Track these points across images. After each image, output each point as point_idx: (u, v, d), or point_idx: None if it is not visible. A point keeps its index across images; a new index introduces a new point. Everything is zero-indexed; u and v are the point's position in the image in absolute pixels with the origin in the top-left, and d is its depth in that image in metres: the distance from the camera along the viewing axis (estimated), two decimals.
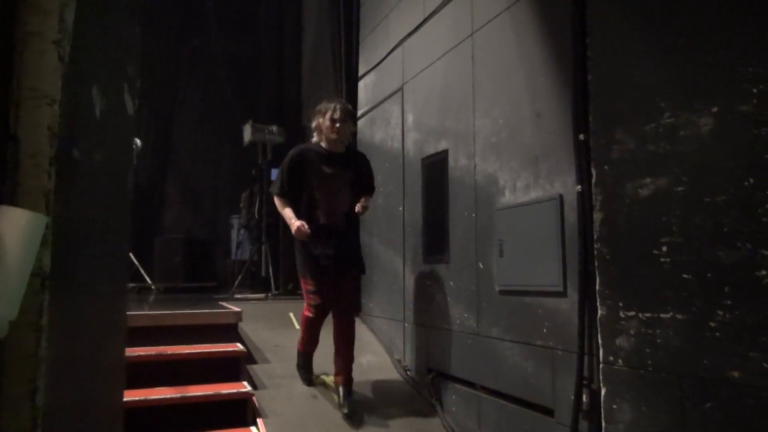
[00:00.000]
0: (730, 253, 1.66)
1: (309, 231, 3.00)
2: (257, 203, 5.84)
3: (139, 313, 3.54)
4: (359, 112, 4.57)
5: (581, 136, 2.19)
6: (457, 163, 3.16)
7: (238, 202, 6.41)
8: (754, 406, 1.59)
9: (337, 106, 3.15)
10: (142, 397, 2.84)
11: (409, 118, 3.78)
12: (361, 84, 4.64)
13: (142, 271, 5.54)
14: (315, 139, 3.25)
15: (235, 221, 6.35)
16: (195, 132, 7.33)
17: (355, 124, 3.89)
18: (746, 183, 1.63)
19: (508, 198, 2.70)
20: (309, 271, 3.11)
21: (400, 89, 3.91)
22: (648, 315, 1.88)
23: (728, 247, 1.66)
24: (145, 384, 2.97)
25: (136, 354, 3.08)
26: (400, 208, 3.84)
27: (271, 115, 6.34)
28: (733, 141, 1.68)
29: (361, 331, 4.11)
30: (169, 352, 3.21)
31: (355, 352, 3.23)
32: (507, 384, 2.66)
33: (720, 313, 1.68)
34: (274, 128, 5.66)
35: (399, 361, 3.65)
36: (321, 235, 3.09)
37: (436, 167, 3.38)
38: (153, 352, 3.16)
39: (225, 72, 7.19)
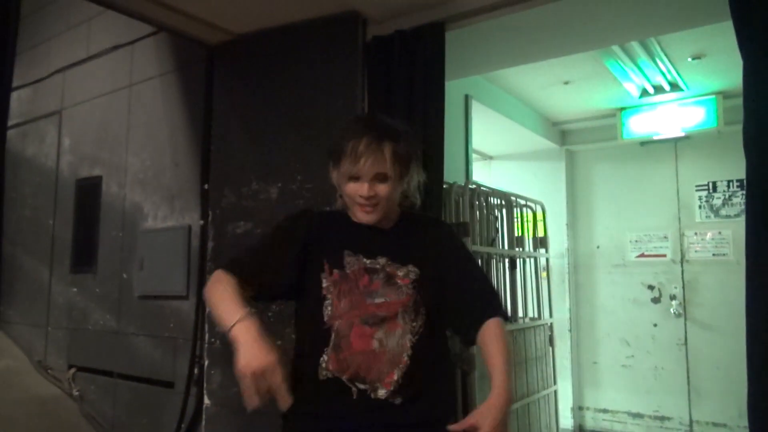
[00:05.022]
0: None
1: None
2: None
3: None
4: (10, 123, 4.64)
5: (205, 186, 3.12)
6: (109, 189, 3.76)
7: None
8: None
9: (366, 141, 1.41)
10: None
11: (66, 141, 4.16)
12: (15, 95, 4.71)
13: None
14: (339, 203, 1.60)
15: None
16: None
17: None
18: None
19: (150, 223, 3.45)
20: None
21: (59, 113, 4.25)
22: None
23: None
24: None
25: None
26: (51, 221, 4.17)
27: None
28: (287, 205, 2.82)
29: None
30: None
31: None
32: (139, 369, 3.39)
33: None
34: None
35: (39, 362, 3.98)
36: (323, 407, 1.43)
37: (89, 189, 3.89)
38: None
39: None
